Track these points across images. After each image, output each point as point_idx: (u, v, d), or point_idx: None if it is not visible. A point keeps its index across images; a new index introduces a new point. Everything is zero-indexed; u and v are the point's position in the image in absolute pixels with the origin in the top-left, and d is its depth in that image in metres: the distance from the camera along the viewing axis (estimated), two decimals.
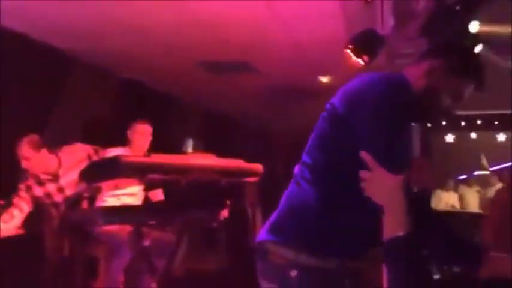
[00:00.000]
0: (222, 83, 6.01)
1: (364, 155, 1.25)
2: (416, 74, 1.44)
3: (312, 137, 1.51)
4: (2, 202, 3.33)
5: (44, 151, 3.26)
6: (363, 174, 1.24)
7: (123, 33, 4.16)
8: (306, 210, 1.44)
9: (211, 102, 7.14)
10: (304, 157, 1.51)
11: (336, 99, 1.46)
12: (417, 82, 1.43)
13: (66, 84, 4.65)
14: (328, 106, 1.48)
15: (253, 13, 3.72)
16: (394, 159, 1.30)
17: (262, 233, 1.50)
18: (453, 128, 5.74)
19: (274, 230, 1.47)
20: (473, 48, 2.36)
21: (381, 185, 1.21)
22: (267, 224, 1.51)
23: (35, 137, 3.29)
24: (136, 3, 3.55)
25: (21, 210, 3.28)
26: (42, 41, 4.24)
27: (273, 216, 1.52)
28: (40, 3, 3.51)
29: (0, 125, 3.73)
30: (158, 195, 3.32)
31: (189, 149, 6.93)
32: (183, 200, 2.91)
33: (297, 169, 1.53)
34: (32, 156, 3.21)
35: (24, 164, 3.23)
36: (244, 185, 4.19)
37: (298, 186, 1.48)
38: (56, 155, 3.35)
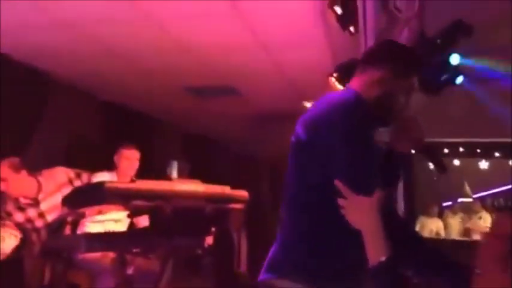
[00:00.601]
0: (207, 107, 6.04)
1: (337, 183, 1.31)
2: (364, 84, 1.47)
3: (287, 171, 1.53)
4: None
5: (24, 173, 3.20)
6: (340, 201, 1.29)
7: (107, 56, 4.18)
8: (294, 243, 1.46)
9: (196, 125, 7.15)
10: (284, 191, 1.53)
11: (298, 128, 1.47)
12: (368, 92, 1.46)
13: (48, 106, 4.62)
14: (292, 138, 1.49)
15: (238, 39, 3.78)
16: (369, 179, 1.34)
17: (261, 273, 1.52)
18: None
19: (270, 267, 1.50)
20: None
21: (357, 210, 1.26)
22: (265, 263, 1.53)
23: (15, 159, 3.22)
24: (120, 27, 3.58)
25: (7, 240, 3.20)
26: (25, 62, 4.24)
27: (269, 254, 1.53)
28: (23, 25, 3.52)
29: None
30: (143, 221, 3.29)
31: (174, 172, 6.88)
32: (168, 226, 2.88)
33: (281, 204, 1.55)
34: (11, 178, 3.13)
35: (2, 186, 3.15)
36: (229, 210, 4.18)
37: (284, 220, 1.51)
38: (36, 179, 3.30)
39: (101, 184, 2.72)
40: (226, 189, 3.19)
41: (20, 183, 3.18)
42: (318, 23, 3.46)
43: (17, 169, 3.17)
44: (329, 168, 1.37)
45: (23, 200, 3.26)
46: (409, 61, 1.52)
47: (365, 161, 1.37)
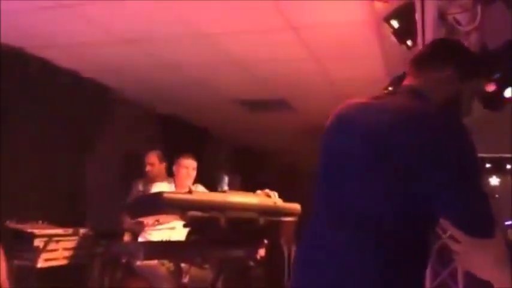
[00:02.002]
0: (258, 120, 6.11)
1: (453, 230, 1.08)
2: (425, 87, 1.31)
3: (351, 176, 1.22)
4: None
5: (164, 165, 4.09)
6: (454, 247, 1.09)
7: (164, 70, 4.34)
8: (370, 274, 1.18)
9: (246, 138, 7.23)
10: (347, 200, 1.22)
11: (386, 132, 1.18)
12: (434, 95, 1.29)
13: (110, 119, 4.85)
14: (369, 155, 1.20)
15: (291, 53, 3.82)
16: (491, 217, 1.09)
17: None
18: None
19: None
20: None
21: (480, 259, 1.05)
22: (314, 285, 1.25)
23: (159, 152, 4.15)
24: (177, 44, 3.71)
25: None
26: (89, 77, 4.48)
27: (318, 274, 1.24)
28: (88, 43, 3.74)
29: (47, 150, 3.92)
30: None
31: (225, 186, 6.98)
32: (222, 237, 2.93)
33: (332, 214, 1.26)
34: (156, 164, 4.07)
35: (148, 168, 4.05)
36: (281, 223, 4.19)
37: (351, 245, 1.20)
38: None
39: (159, 194, 2.83)
40: (278, 202, 3.21)
41: (160, 171, 4.02)
42: (371, 36, 3.44)
43: (161, 160, 4.07)
44: (433, 200, 1.12)
45: None
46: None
47: (483, 193, 1.11)
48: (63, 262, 3.55)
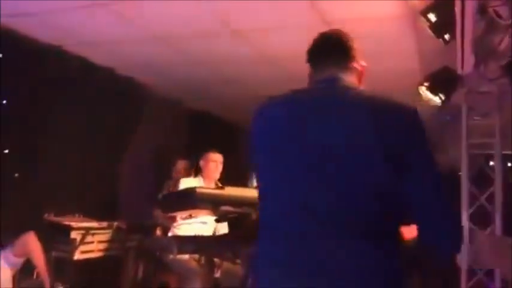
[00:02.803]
0: None
1: None
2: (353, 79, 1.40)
3: (343, 179, 1.16)
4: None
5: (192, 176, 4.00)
6: None
7: (195, 66, 4.37)
8: (387, 268, 1.16)
9: None
10: (347, 206, 1.15)
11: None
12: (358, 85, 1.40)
13: (142, 114, 4.93)
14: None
15: None
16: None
17: None
18: None
19: None
20: None
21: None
22: None
23: (187, 162, 4.21)
24: (208, 40, 3.73)
25: None
26: (124, 74, 4.57)
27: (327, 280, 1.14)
28: (122, 40, 3.81)
29: (84, 146, 4.02)
30: (222, 228, 3.42)
31: (254, 182, 6.99)
32: (254, 233, 2.92)
33: (317, 215, 1.17)
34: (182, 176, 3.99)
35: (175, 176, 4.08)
36: None
37: (359, 241, 1.15)
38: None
39: (192, 190, 2.85)
40: None
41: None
42: (406, 31, 3.38)
43: (187, 169, 4.13)
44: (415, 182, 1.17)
45: None
46: None
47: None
48: (98, 254, 3.64)
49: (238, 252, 3.05)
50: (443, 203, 1.17)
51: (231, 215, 2.96)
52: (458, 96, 3.20)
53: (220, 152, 3.79)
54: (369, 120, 1.19)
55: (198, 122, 5.82)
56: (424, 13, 2.56)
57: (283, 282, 1.16)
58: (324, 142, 1.19)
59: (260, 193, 1.35)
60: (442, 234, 1.18)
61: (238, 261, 3.24)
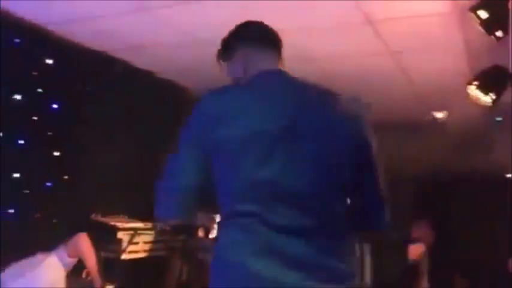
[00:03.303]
0: None
1: None
2: None
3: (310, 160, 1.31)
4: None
5: None
6: None
7: None
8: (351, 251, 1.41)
9: None
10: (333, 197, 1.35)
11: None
12: None
13: (184, 118, 4.99)
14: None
15: (365, 47, 3.71)
16: None
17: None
18: None
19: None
20: None
21: None
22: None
23: None
24: None
25: None
26: (166, 78, 4.65)
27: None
28: (166, 44, 3.87)
29: (128, 148, 4.11)
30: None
31: None
32: None
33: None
34: None
35: None
36: None
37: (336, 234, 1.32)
38: None
39: None
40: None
41: None
42: (453, 28, 3.27)
43: None
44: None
45: None
46: None
47: None
48: (143, 255, 3.72)
49: None
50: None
51: None
52: (510, 95, 3.08)
53: None
54: (340, 117, 1.44)
55: None
56: (474, 9, 2.48)
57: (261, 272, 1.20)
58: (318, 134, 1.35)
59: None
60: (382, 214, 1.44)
61: None
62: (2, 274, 2.83)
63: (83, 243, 3.00)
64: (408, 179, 6.22)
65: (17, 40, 3.42)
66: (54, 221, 3.58)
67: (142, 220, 3.81)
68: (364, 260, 4.99)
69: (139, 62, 4.28)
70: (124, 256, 3.51)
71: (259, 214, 1.23)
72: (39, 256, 2.97)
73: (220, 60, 1.60)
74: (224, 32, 3.89)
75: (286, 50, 3.92)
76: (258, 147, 1.28)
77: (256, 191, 1.25)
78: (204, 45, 3.83)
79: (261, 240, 1.21)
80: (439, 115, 5.21)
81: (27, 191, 3.44)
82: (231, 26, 3.45)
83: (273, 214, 1.23)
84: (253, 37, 1.55)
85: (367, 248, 5.07)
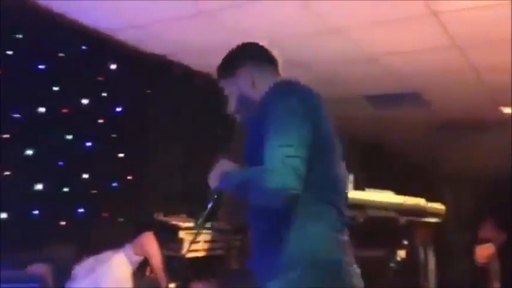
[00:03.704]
0: (385, 115, 5.86)
1: None
2: None
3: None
4: None
5: None
6: None
7: (291, 68, 4.34)
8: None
9: (373, 135, 6.99)
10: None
11: None
12: None
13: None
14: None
15: (429, 40, 3.56)
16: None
17: None
18: None
19: None
20: None
21: None
22: None
23: None
24: (307, 40, 3.69)
25: None
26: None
27: None
28: (218, 45, 3.90)
29: (187, 149, 4.19)
30: None
31: (349, 184, 6.84)
32: (360, 236, 2.85)
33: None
34: None
35: None
36: (421, 224, 3.98)
37: None
38: None
39: None
40: (421, 202, 3.04)
41: None
42: None
43: None
44: None
45: None
46: None
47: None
48: (204, 254, 3.77)
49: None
50: None
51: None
52: None
53: None
54: None
55: None
56: None
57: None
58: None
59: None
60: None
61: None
62: (76, 268, 2.97)
63: (150, 242, 3.08)
64: (476, 178, 5.93)
65: (84, 47, 3.58)
66: (120, 219, 3.71)
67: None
68: (428, 263, 4.81)
69: (198, 64, 4.35)
70: (186, 255, 3.57)
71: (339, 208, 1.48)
72: (107, 254, 3.09)
73: (220, 79, 1.71)
74: (280, 32, 3.88)
75: (345, 49, 3.88)
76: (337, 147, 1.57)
77: (338, 187, 1.49)
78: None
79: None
80: (508, 110, 4.93)
81: (95, 191, 3.59)
82: (290, 25, 3.45)
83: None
84: (255, 55, 1.72)
85: (430, 251, 4.89)
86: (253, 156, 1.44)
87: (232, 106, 1.69)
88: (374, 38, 3.61)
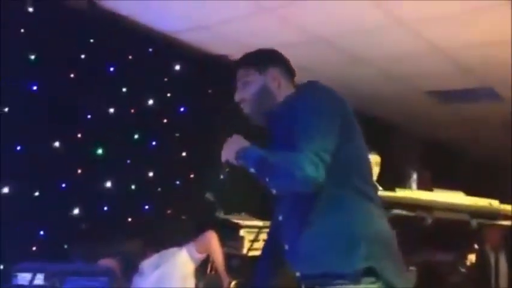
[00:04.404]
0: (453, 111, 5.60)
1: None
2: None
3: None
4: None
5: None
6: None
7: (353, 64, 4.26)
8: None
9: (439, 132, 6.72)
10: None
11: None
12: None
13: None
14: None
15: (504, 33, 3.35)
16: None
17: None
18: None
19: None
20: None
21: None
22: None
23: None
24: (370, 35, 3.59)
25: None
26: None
27: None
28: (284, 44, 3.87)
29: None
30: None
31: (413, 183, 6.61)
32: (428, 239, 2.75)
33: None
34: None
35: None
36: (493, 227, 3.77)
37: None
38: None
39: None
40: (494, 203, 2.88)
41: None
42: None
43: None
44: None
45: None
46: None
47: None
48: None
49: (411, 259, 2.89)
50: None
51: (403, 219, 2.81)
52: None
53: (377, 151, 3.64)
54: None
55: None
56: None
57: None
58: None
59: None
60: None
61: (412, 268, 3.08)
62: (142, 263, 3.07)
63: (213, 240, 3.12)
64: None
65: (150, 49, 3.70)
66: (183, 217, 3.80)
67: (262, 219, 3.87)
68: (500, 267, 4.54)
69: None
70: (246, 253, 3.59)
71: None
72: (172, 250, 3.17)
73: (245, 65, 1.65)
74: (341, 28, 3.76)
75: (414, 44, 3.74)
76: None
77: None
78: (324, 42, 3.78)
79: None
80: None
81: (160, 189, 3.69)
82: (349, 21, 3.37)
83: None
84: (287, 64, 1.69)
85: (502, 255, 4.61)
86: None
87: (246, 94, 1.64)
88: (443, 32, 3.46)
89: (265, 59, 1.67)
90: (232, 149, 1.55)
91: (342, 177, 1.42)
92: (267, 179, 1.43)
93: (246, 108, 1.67)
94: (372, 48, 3.87)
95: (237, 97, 1.67)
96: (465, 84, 4.57)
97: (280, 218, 1.56)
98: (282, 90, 1.62)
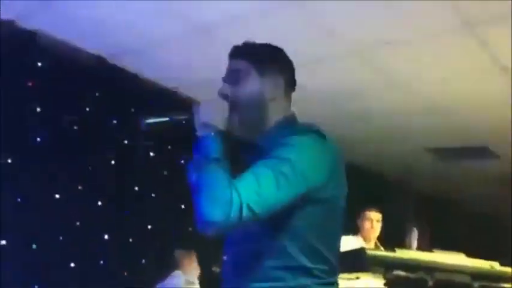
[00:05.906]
0: (450, 168, 5.64)
1: None
2: None
3: None
4: None
5: None
6: None
7: (351, 122, 4.33)
8: None
9: (437, 188, 6.72)
10: None
11: None
12: None
13: None
14: None
15: (501, 95, 3.44)
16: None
17: None
18: None
19: None
20: None
21: None
22: None
23: None
24: (368, 93, 3.67)
25: None
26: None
27: None
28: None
29: None
30: None
31: (414, 241, 6.55)
32: None
33: None
34: None
35: None
36: None
37: None
38: None
39: (361, 251, 2.75)
40: (495, 265, 2.85)
41: None
42: None
43: None
44: None
45: None
46: None
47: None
48: None
49: None
50: None
51: (403, 280, 2.77)
52: None
53: (378, 208, 3.65)
54: None
55: (353, 176, 5.68)
56: None
57: None
58: None
59: None
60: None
61: None
62: None
63: None
64: None
65: (151, 102, 3.77)
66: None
67: None
68: None
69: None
70: None
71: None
72: None
73: (252, 69, 1.25)
74: (341, 87, 3.75)
75: (409, 102, 3.79)
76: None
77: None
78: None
79: None
80: None
81: (158, 242, 3.66)
82: (350, 80, 3.44)
83: None
84: (292, 73, 1.32)
85: None
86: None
87: (233, 91, 1.25)
88: (435, 93, 3.56)
89: (272, 58, 1.28)
90: (203, 114, 1.20)
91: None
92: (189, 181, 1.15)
93: (228, 110, 1.21)
94: (367, 102, 3.93)
95: (221, 90, 1.26)
96: (461, 142, 4.63)
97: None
98: (276, 107, 1.26)
